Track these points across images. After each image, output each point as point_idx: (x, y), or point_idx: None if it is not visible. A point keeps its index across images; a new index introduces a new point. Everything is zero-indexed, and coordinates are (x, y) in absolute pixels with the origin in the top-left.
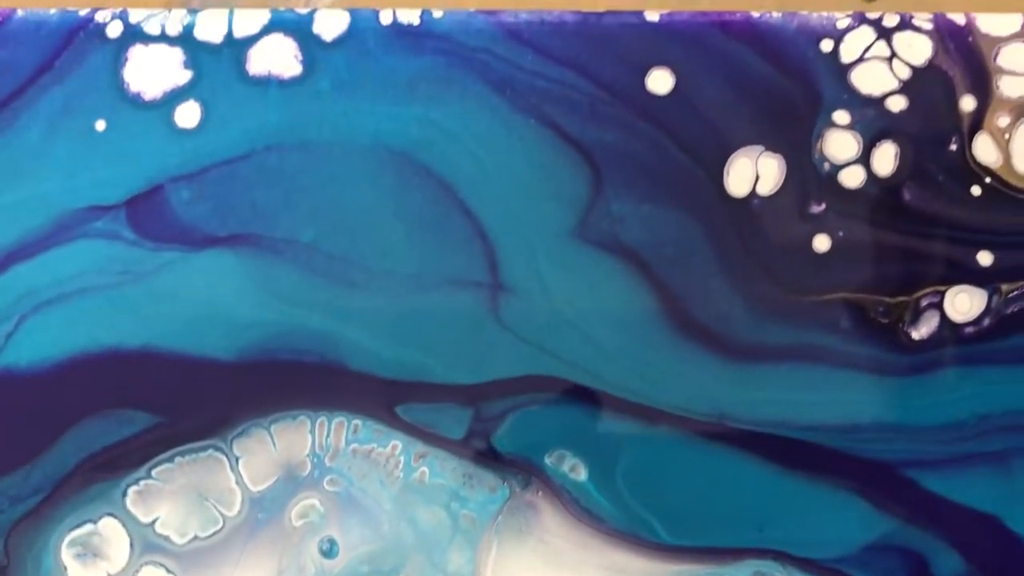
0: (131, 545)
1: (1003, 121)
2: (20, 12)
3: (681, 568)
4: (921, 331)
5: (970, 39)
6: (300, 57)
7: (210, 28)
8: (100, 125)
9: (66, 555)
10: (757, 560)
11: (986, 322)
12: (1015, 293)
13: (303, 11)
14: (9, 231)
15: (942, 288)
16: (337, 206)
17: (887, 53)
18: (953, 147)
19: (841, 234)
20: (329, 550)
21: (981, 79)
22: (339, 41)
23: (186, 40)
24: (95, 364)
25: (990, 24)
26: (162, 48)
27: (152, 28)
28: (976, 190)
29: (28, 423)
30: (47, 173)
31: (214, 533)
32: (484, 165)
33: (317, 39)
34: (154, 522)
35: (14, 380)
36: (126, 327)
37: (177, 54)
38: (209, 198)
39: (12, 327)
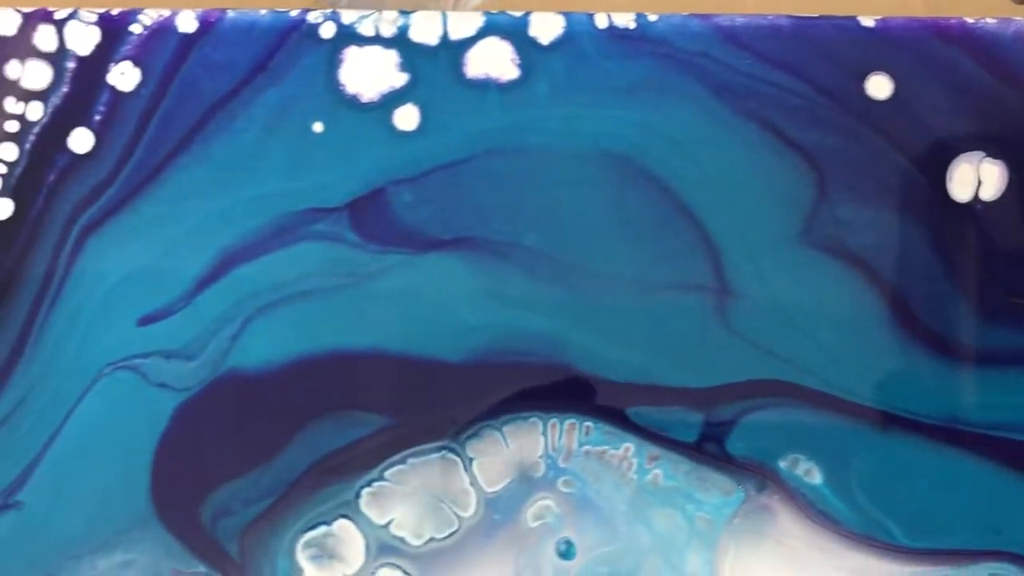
0: (366, 547)
1: None
2: (231, 13)
3: (917, 570)
4: None
5: None
6: (517, 60)
7: (425, 30)
8: (318, 127)
9: (302, 557)
10: (993, 563)
11: None
12: None
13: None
14: (229, 233)
15: None
16: (559, 210)
17: None
18: None
19: None
20: (566, 551)
21: None
22: (556, 45)
23: (401, 43)
24: (322, 366)
25: None
26: (377, 50)
27: (366, 30)
28: None
29: (257, 425)
30: (266, 175)
31: (450, 534)
32: (705, 169)
33: (533, 42)
34: (389, 524)
35: (241, 382)
36: (352, 329)
37: (393, 56)
38: (431, 201)
39: (237, 329)
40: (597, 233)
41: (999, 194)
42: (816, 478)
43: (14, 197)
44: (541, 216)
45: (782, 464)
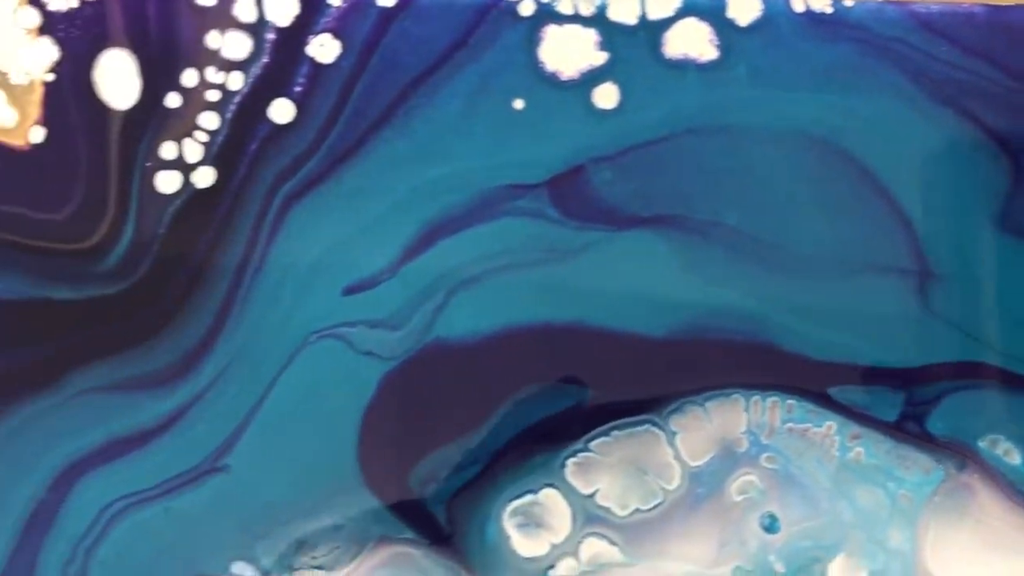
0: (573, 516)
1: None
2: None
3: None
4: None
5: None
6: (716, 41)
7: (624, 10)
8: (518, 104)
9: (508, 524)
10: None
11: None
12: None
13: None
14: (431, 206)
15: None
16: (759, 190)
17: None
18: None
19: None
20: (770, 525)
21: None
22: (754, 27)
23: (600, 21)
24: (526, 338)
25: None
26: (576, 28)
27: (565, 8)
28: None
29: (462, 394)
30: (467, 150)
31: (655, 506)
32: (903, 153)
33: (732, 24)
34: (594, 494)
35: (446, 352)
36: (555, 303)
37: (592, 35)
38: (631, 179)
39: (441, 300)
40: (797, 214)
41: None
42: (1016, 459)
43: (216, 165)
44: (741, 196)
45: (982, 444)
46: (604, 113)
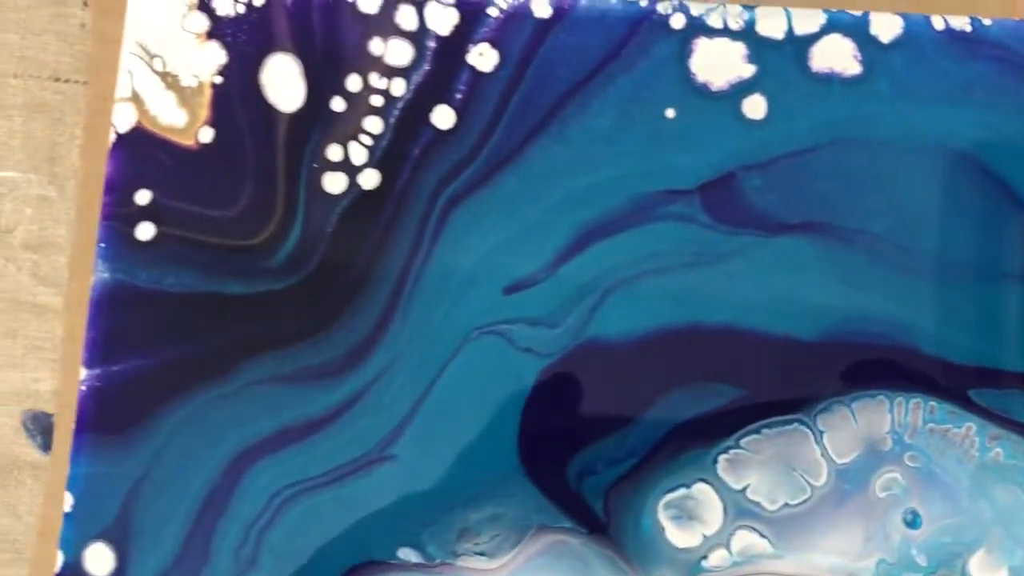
0: (724, 510)
1: None
2: (583, 1)
3: None
4: None
5: None
6: (859, 57)
7: (771, 25)
8: (670, 113)
9: (663, 516)
10: None
11: None
12: None
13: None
14: (587, 210)
15: None
16: (902, 200)
17: None
18: None
19: None
20: (912, 521)
21: None
22: (896, 44)
23: (748, 35)
24: (679, 338)
25: None
26: (726, 42)
27: (715, 22)
28: None
29: (617, 391)
30: (621, 157)
31: (803, 501)
32: None
33: (875, 40)
34: (745, 489)
35: (601, 350)
36: (706, 305)
37: (740, 48)
38: (779, 187)
39: (597, 300)
40: (938, 223)
41: None
42: None
43: (380, 168)
44: (885, 205)
45: None
46: (753, 123)
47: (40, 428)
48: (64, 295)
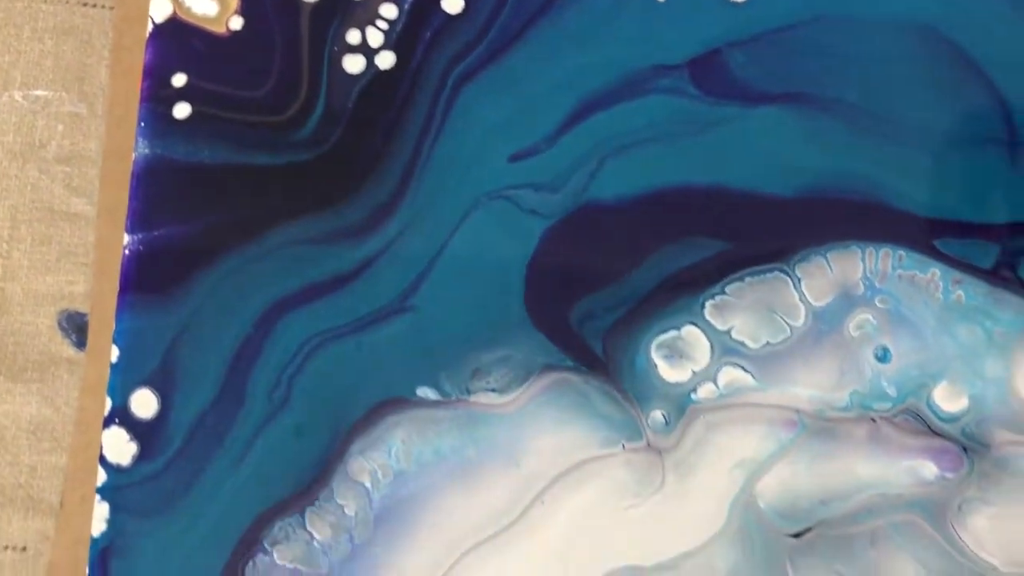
0: (711, 349)
1: None
2: None
3: None
4: None
5: None
6: None
7: None
8: None
9: (655, 355)
10: None
11: None
12: None
13: None
14: (585, 86)
15: None
16: (875, 72)
17: None
18: None
19: None
20: (883, 356)
21: None
22: None
23: None
24: (669, 198)
25: None
26: None
27: None
28: None
29: (614, 247)
30: (616, 38)
31: (783, 340)
32: (998, 40)
33: None
34: (730, 330)
35: (599, 210)
36: (694, 168)
37: None
38: (760, 62)
39: (595, 166)
40: (908, 93)
41: None
42: None
43: (395, 50)
44: (860, 77)
45: None
46: (737, 4)
47: (75, 326)
48: (94, 204)
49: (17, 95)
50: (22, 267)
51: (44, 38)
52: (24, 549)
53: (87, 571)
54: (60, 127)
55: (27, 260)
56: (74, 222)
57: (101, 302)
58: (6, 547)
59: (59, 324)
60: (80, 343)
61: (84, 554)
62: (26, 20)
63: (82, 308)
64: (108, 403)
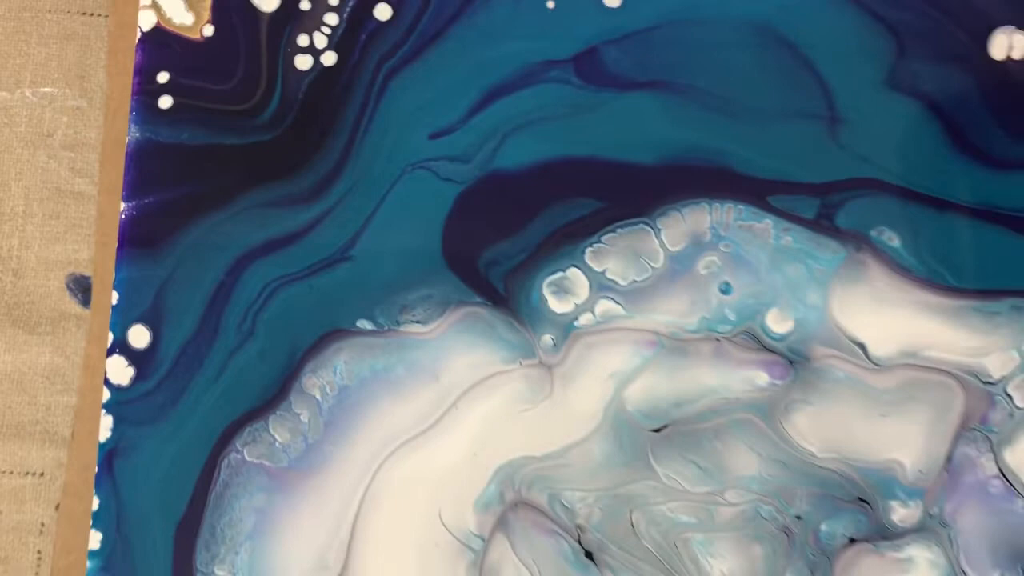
0: (590, 286)
1: None
2: None
3: (963, 303)
4: None
5: None
6: None
7: None
8: (550, 4)
9: (546, 292)
10: (1013, 298)
11: None
12: None
13: None
14: (491, 77)
15: None
16: (722, 62)
17: None
18: None
19: None
20: (725, 289)
21: None
22: None
23: None
24: (557, 167)
25: None
26: None
27: None
28: None
29: (514, 206)
30: (515, 37)
31: (646, 278)
32: (820, 33)
33: None
34: (604, 271)
35: (503, 178)
36: (578, 143)
37: None
38: (631, 56)
39: (498, 143)
40: (748, 79)
41: None
42: (896, 242)
43: (337, 51)
44: (709, 67)
45: (873, 233)
46: (611, 10)
47: (81, 288)
48: (95, 184)
49: (27, 92)
50: (35, 238)
51: (49, 43)
52: (42, 474)
53: (95, 471)
54: (65, 119)
55: (39, 232)
56: (78, 200)
57: (102, 267)
58: (27, 473)
59: (67, 286)
60: (85, 301)
61: (92, 477)
62: (34, 28)
63: (86, 272)
64: (110, 337)
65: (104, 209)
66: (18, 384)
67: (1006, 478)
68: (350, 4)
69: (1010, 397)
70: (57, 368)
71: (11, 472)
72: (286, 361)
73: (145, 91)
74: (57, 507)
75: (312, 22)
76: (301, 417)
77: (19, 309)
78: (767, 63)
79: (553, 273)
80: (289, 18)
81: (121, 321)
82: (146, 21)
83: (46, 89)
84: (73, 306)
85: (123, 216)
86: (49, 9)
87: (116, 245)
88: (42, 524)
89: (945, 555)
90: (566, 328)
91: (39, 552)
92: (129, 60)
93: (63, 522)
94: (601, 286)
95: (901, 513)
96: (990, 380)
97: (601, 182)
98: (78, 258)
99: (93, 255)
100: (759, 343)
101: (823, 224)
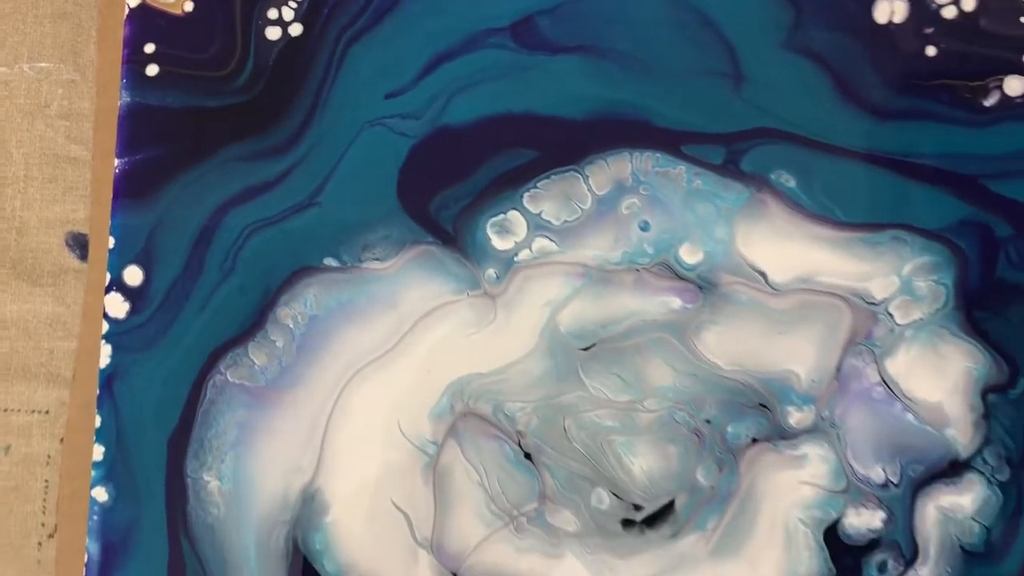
0: (527, 226)
1: None
2: None
3: (850, 235)
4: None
5: None
6: None
7: None
8: None
9: (490, 231)
10: (894, 230)
11: None
12: None
13: None
14: (438, 43)
15: (1001, 77)
16: (641, 29)
17: None
18: None
19: (943, 46)
20: (644, 227)
21: None
22: None
23: None
24: (498, 122)
25: None
26: None
27: None
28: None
29: (460, 158)
30: (459, 9)
31: (576, 218)
32: (730, 3)
33: None
34: (540, 212)
35: (450, 132)
36: (515, 100)
37: None
38: (561, 24)
39: (445, 101)
40: (662, 42)
41: (904, 19)
42: (792, 184)
43: (303, 22)
44: (629, 32)
45: (772, 176)
46: None
47: (78, 244)
48: (89, 150)
49: (25, 67)
50: (36, 200)
51: (44, 22)
52: (47, 412)
53: (95, 408)
54: (60, 91)
55: (40, 194)
56: (74, 164)
57: (98, 225)
58: (33, 411)
59: (66, 242)
60: (83, 257)
61: (92, 413)
62: (30, 8)
63: (83, 230)
64: (108, 277)
65: (98, 172)
66: (24, 331)
67: (887, 385)
68: None
69: (891, 315)
70: (59, 316)
71: (19, 410)
72: (262, 295)
73: (134, 61)
74: (61, 441)
75: None
76: (276, 343)
77: (23, 264)
78: (680, 29)
79: (495, 215)
80: None
81: (117, 262)
82: None
83: (42, 64)
84: (72, 261)
85: (117, 171)
86: None
87: (110, 205)
88: (48, 456)
89: (834, 451)
90: (507, 263)
91: (46, 480)
92: (117, 37)
93: (66, 454)
94: (537, 226)
95: (796, 416)
96: (874, 301)
97: (536, 135)
98: (75, 217)
99: (89, 214)
100: (673, 272)
101: (729, 168)
